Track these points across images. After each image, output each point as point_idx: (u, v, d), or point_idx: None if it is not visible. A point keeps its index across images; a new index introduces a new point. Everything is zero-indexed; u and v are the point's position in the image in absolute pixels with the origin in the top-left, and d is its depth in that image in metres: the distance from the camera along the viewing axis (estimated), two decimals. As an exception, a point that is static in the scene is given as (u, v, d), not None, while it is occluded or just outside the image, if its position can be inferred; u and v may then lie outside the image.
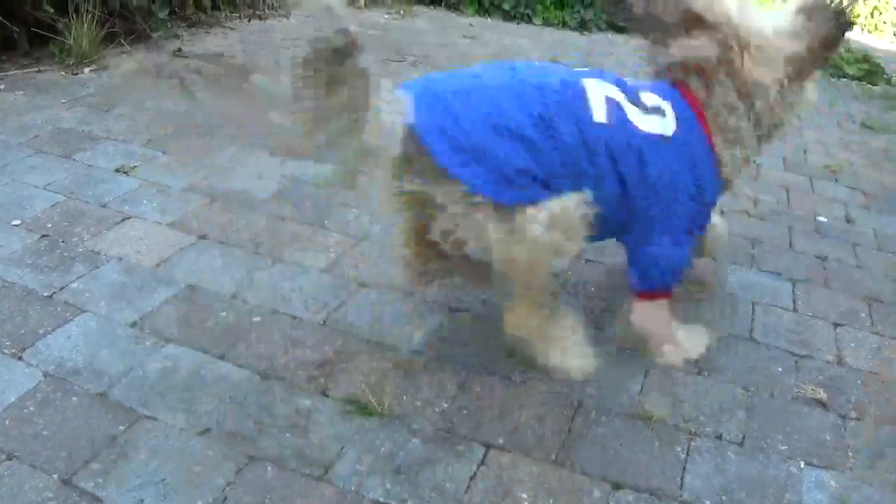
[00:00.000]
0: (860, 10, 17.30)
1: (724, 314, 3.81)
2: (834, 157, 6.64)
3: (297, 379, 2.95)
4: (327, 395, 2.89)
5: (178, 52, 6.80)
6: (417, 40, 8.53)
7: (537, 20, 10.51)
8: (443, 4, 10.72)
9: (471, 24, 9.87)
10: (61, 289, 3.34)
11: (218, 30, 7.75)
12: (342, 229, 4.11)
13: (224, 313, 3.28)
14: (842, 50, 11.33)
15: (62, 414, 2.64)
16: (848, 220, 5.22)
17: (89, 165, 4.51)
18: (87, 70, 6.07)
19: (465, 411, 2.90)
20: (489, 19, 10.42)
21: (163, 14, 6.99)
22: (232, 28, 7.90)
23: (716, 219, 3.74)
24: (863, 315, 4.00)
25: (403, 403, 2.90)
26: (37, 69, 5.97)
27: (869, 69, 10.83)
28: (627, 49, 9.70)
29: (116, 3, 6.53)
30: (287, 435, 2.67)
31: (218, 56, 6.22)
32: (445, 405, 2.92)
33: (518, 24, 10.43)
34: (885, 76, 10.87)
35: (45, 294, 3.30)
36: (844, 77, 10.45)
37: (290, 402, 2.82)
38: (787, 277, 4.27)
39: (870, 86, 10.22)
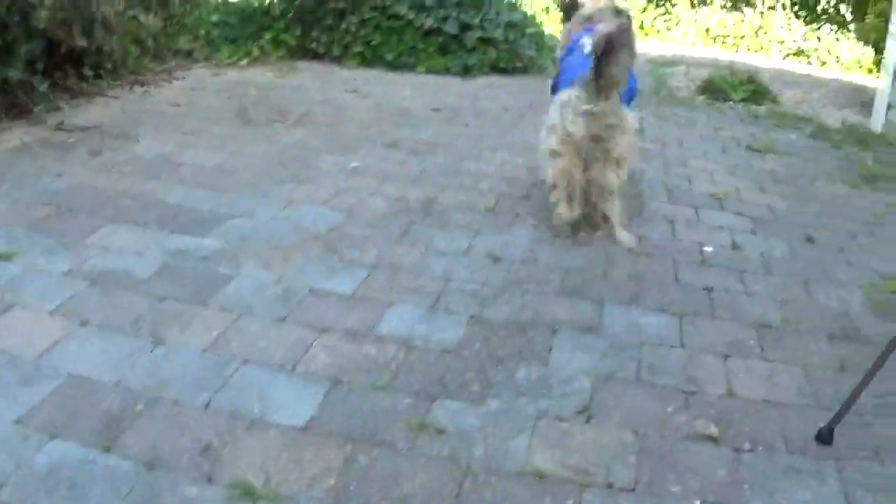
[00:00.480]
0: (744, 32, 17.55)
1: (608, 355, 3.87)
2: (719, 183, 6.75)
3: (182, 467, 2.97)
4: (212, 482, 2.91)
5: (61, 126, 6.79)
6: (301, 97, 8.58)
7: (420, 69, 10.57)
8: (326, 58, 10.75)
9: (354, 78, 9.91)
10: (-58, 384, 3.35)
11: (100, 99, 7.76)
12: (223, 305, 4.13)
13: (107, 403, 3.29)
14: (726, 74, 11.51)
15: (-52, 519, 2.65)
16: (734, 247, 5.33)
17: (-30, 252, 4.50)
18: (-32, 149, 6.05)
19: (352, 486, 2.94)
20: (373, 70, 10.46)
21: (43, 87, 7.00)
22: (114, 96, 7.90)
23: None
24: (751, 343, 4.11)
25: (289, 483, 2.93)
26: (-85, 150, 5.95)
27: (755, 89, 10.99)
28: (509, 90, 9.82)
29: (-4, 78, 6.52)
30: (173, 527, 2.70)
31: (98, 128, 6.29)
32: (332, 481, 2.95)
33: (402, 73, 10.48)
34: (770, 95, 11.03)
35: (-75, 391, 3.31)
36: (730, 101, 10.59)
37: (177, 492, 2.84)
38: (673, 312, 4.36)
39: (755, 106, 10.36)
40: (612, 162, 5.20)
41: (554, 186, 5.29)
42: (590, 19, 5.80)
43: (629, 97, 5.44)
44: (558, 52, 6.43)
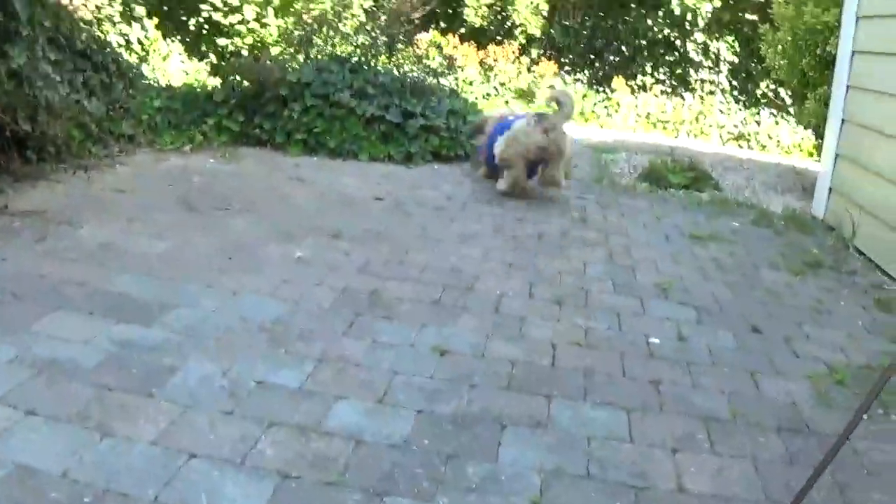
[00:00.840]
0: (684, 117, 17.79)
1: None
2: (664, 273, 6.82)
3: (129, 564, 2.95)
4: (157, 581, 2.88)
5: (5, 209, 6.76)
6: (243, 185, 8.58)
7: (363, 156, 10.61)
8: (269, 145, 10.78)
9: (297, 165, 9.92)
10: None
11: (44, 183, 7.71)
12: (170, 397, 4.11)
13: (55, 495, 3.27)
14: (668, 160, 11.65)
15: None
16: (680, 339, 5.37)
17: (-89, 340, 4.46)
18: None
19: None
20: (315, 158, 10.48)
21: (-14, 170, 6.96)
22: (58, 181, 7.86)
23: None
24: (700, 437, 4.15)
25: (235, 578, 2.92)
26: None
27: (695, 176, 11.10)
28: (451, 178, 9.89)
29: (-61, 161, 6.50)
30: None
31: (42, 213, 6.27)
32: (278, 579, 2.94)
33: (344, 161, 10.51)
34: (711, 182, 11.14)
35: None
36: (672, 187, 10.69)
37: (121, 591, 2.82)
38: (622, 406, 4.39)
39: (697, 193, 10.45)
40: (561, 164, 8.79)
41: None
42: (502, 118, 9.64)
43: None
44: (481, 141, 10.06)
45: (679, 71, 20.16)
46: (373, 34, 12.51)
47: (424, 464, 3.74)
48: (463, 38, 19.77)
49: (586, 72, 20.64)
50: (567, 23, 21.47)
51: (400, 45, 12.56)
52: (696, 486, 3.70)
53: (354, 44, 12.65)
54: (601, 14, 21.54)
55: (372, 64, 11.97)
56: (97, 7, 11.75)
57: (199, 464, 3.58)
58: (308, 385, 4.38)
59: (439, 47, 18.69)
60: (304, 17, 13.88)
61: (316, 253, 6.50)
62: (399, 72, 12.01)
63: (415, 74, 12.02)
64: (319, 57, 12.04)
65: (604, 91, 19.22)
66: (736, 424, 4.32)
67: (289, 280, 5.85)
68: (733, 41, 19.78)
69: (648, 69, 20.30)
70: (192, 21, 15.55)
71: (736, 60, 19.75)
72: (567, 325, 5.46)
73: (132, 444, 3.69)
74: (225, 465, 3.60)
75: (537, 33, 20.90)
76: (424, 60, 12.93)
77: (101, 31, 11.58)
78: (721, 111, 18.44)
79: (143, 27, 13.36)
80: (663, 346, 5.24)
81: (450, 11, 21.59)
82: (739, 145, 17.18)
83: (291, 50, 12.97)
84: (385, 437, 3.92)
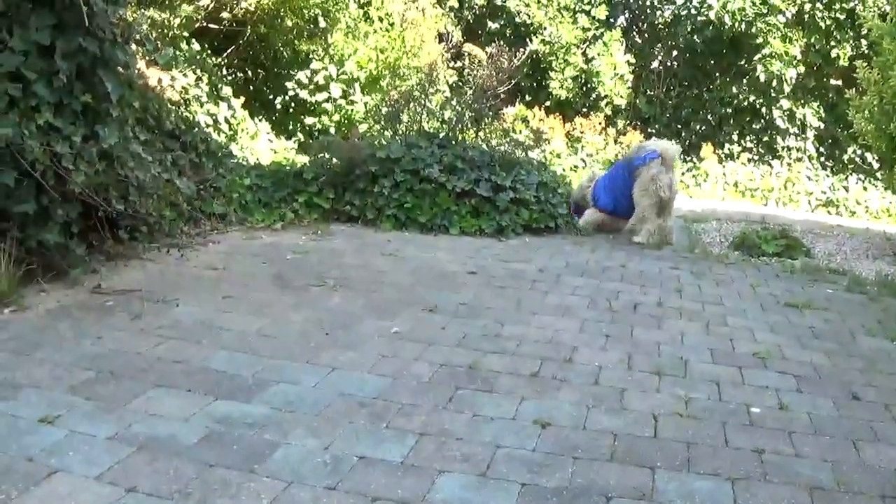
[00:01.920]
0: (773, 184, 17.71)
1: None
2: (761, 341, 6.70)
3: None
4: None
5: (98, 289, 6.79)
6: (336, 262, 8.59)
7: (454, 230, 10.62)
8: (360, 221, 10.82)
9: (389, 240, 9.95)
10: (-10, 555, 3.27)
11: (136, 262, 7.78)
12: (272, 473, 4.05)
13: (158, 574, 3.22)
14: (758, 228, 11.58)
15: None
16: (781, 408, 5.24)
17: (13, 416, 4.46)
18: (6, 311, 6.05)
19: None
20: (406, 233, 10.51)
21: (80, 250, 7.00)
22: (150, 259, 7.92)
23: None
24: (806, 505, 3.99)
25: None
26: (-45, 312, 5.94)
27: (787, 244, 11.05)
28: (544, 251, 9.86)
29: (34, 241, 6.54)
30: None
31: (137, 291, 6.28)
32: None
33: (435, 235, 10.53)
34: (803, 249, 11.06)
35: (-26, 562, 3.23)
36: (764, 255, 10.65)
37: None
38: (726, 477, 4.27)
39: (790, 261, 10.42)
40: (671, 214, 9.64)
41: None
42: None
43: None
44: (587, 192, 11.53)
45: (766, 138, 20.16)
46: (459, 109, 12.49)
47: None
48: (549, 111, 19.89)
49: (673, 141, 20.66)
50: (652, 93, 21.49)
51: (487, 120, 12.53)
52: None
53: (441, 119, 12.67)
54: (685, 83, 21.55)
55: (460, 138, 12.00)
56: (184, 88, 11.89)
57: (304, 541, 3.50)
58: (410, 459, 4.29)
59: (526, 120, 18.77)
60: (391, 93, 13.92)
61: (412, 327, 6.46)
62: (487, 146, 12.03)
63: (503, 148, 12.02)
64: (407, 133, 12.08)
65: (691, 160, 19.22)
66: (840, 493, 4.20)
67: (386, 355, 5.80)
68: (818, 107, 19.73)
69: (735, 137, 20.34)
70: (279, 100, 15.70)
71: (822, 126, 19.67)
72: (667, 395, 5.36)
73: (236, 521, 3.61)
74: (330, 541, 3.51)
75: (623, 104, 20.98)
76: (511, 134, 12.91)
77: (189, 112, 11.75)
78: (809, 178, 18.33)
79: (230, 106, 13.50)
80: (764, 416, 5.13)
81: (535, 84, 21.73)
82: (828, 212, 17.09)
83: (379, 126, 13.02)
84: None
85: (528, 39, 21.60)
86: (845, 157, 19.37)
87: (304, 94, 15.35)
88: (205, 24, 14.43)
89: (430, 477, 4.12)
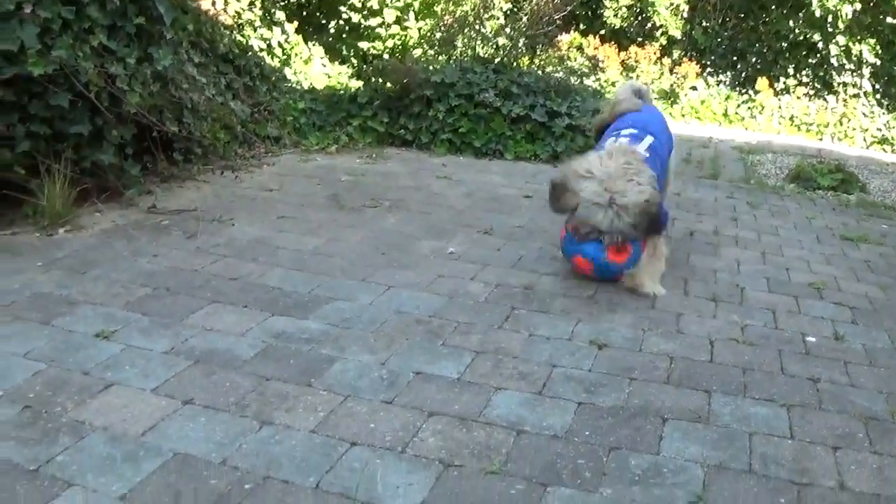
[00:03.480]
0: (828, 120, 17.51)
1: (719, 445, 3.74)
2: (817, 273, 6.67)
3: (293, 548, 2.87)
4: (324, 566, 2.80)
5: (153, 209, 6.79)
6: (391, 184, 8.59)
7: (509, 155, 10.56)
8: (414, 146, 10.78)
9: (443, 164, 9.92)
10: (47, 462, 3.27)
11: (190, 183, 7.77)
12: (329, 386, 4.05)
13: (214, 481, 3.21)
14: (814, 161, 11.45)
15: None
16: (837, 338, 5.20)
17: (69, 331, 4.46)
18: (61, 231, 6.05)
19: (466, 572, 2.82)
20: (461, 157, 10.46)
21: (135, 171, 7.00)
22: (205, 180, 7.91)
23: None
24: (860, 435, 3.97)
25: (403, 568, 2.82)
26: (11, 232, 5.95)
27: (843, 178, 10.93)
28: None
29: (88, 162, 6.54)
30: None
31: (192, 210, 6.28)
32: (447, 566, 2.84)
33: (490, 160, 10.49)
34: (858, 184, 10.95)
35: (31, 468, 3.23)
36: (819, 189, 10.54)
37: (287, 575, 2.74)
38: (782, 403, 4.23)
39: (845, 195, 10.33)
40: None
41: None
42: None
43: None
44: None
45: (821, 73, 19.84)
46: (513, 36, 12.38)
47: (586, 455, 3.62)
48: (603, 40, 19.66)
49: (728, 73, 20.38)
50: (707, 24, 21.23)
51: (541, 47, 12.41)
52: (857, 484, 3.54)
53: (495, 45, 12.56)
54: (741, 15, 21.27)
55: (514, 65, 11.89)
56: (237, 13, 11.80)
57: (361, 452, 3.50)
58: (466, 376, 4.27)
59: (580, 48, 18.58)
60: (445, 19, 13.80)
61: (468, 249, 6.42)
62: (542, 72, 11.90)
63: (558, 75, 11.90)
64: (462, 59, 11.99)
65: (747, 93, 18.96)
66: (895, 423, 4.14)
67: (442, 275, 5.79)
68: (875, 44, 19.38)
69: (791, 71, 20.02)
70: (332, 25, 15.61)
71: (878, 63, 19.35)
72: (723, 321, 5.33)
73: (292, 432, 3.62)
74: (386, 453, 3.51)
75: (678, 35, 20.72)
76: (567, 61, 12.78)
77: (243, 36, 11.68)
78: (864, 114, 18.08)
79: (283, 31, 13.42)
80: (820, 345, 5.09)
81: (589, 13, 21.50)
82: (883, 149, 16.85)
83: (433, 52, 12.92)
84: (546, 428, 3.80)
85: (583, -34, 21.41)
86: (902, 93, 19.15)
87: (357, 18, 15.23)
88: (258, -52, 14.38)
89: (486, 393, 4.10)
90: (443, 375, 4.25)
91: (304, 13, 15.51)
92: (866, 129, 17.42)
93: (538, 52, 12.44)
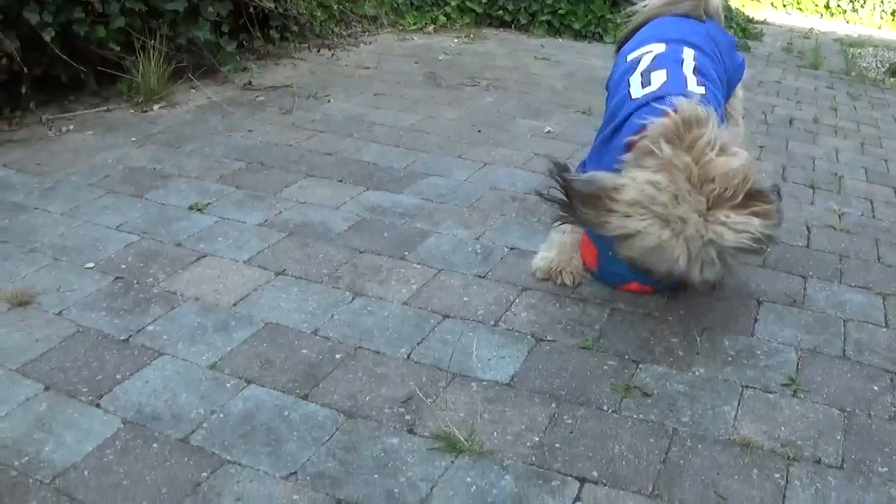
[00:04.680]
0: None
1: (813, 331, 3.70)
2: (916, 165, 6.45)
3: (383, 417, 2.85)
4: (414, 433, 2.79)
5: (249, 85, 6.77)
6: (489, 63, 8.50)
7: (608, 38, 10.42)
8: (512, 27, 10.67)
9: (542, 45, 9.84)
10: (138, 332, 3.28)
11: (287, 61, 7.75)
12: (422, 260, 4.03)
13: (305, 351, 3.20)
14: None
15: (143, 462, 2.56)
16: (935, 231, 5.03)
17: (162, 204, 4.47)
18: (156, 107, 6.06)
19: (557, 444, 2.80)
20: (560, 39, 10.37)
21: (231, 48, 6.97)
22: (301, 58, 7.89)
23: None
24: (957, 327, 3.88)
25: (493, 438, 2.79)
26: (105, 108, 5.97)
27: (947, 69, 10.70)
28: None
29: (183, 38, 6.52)
30: (375, 476, 2.57)
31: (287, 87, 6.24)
32: (536, 438, 2.81)
33: (589, 42, 10.38)
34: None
35: (122, 338, 3.23)
36: (920, 80, 10.34)
37: (377, 441, 2.72)
38: (878, 292, 4.14)
39: (949, 89, 10.10)
40: None
41: None
42: None
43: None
44: None
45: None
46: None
47: (679, 334, 3.58)
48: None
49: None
50: None
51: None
52: (952, 379, 3.45)
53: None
54: None
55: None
56: None
57: (453, 324, 3.47)
58: (562, 253, 4.19)
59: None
60: None
61: (566, 128, 6.35)
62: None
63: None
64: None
65: (848, -16, 18.54)
66: None
67: (539, 153, 5.70)
68: None
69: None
70: None
71: None
72: (820, 208, 5.23)
73: (384, 304, 3.61)
74: (479, 326, 3.47)
75: None
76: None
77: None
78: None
79: None
80: (918, 237, 4.98)
81: None
82: None
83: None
84: (641, 307, 3.75)
85: None
86: None
87: None
88: None
89: (582, 269, 4.02)
90: (537, 251, 4.17)
91: None
92: (972, 27, 17.03)
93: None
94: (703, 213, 3.13)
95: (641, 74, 3.83)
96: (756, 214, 3.16)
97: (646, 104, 3.57)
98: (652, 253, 3.23)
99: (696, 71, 3.76)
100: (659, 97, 3.56)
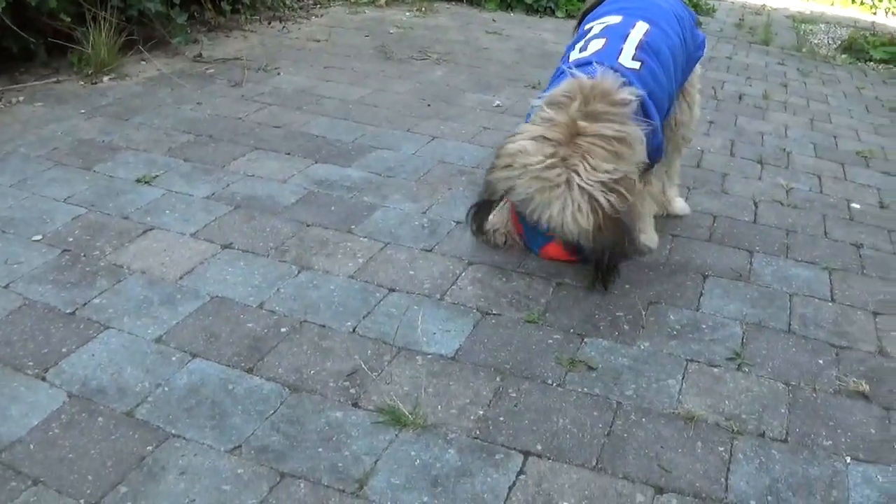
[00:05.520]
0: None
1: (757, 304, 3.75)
2: (865, 142, 6.58)
3: (328, 390, 2.87)
4: (359, 406, 2.81)
5: (199, 58, 6.76)
6: (440, 37, 8.52)
7: (560, 13, 10.45)
8: (465, 1, 10.68)
9: (493, 20, 9.86)
10: (84, 305, 3.28)
11: (238, 33, 7.74)
12: (369, 233, 4.05)
13: (251, 325, 3.21)
14: (867, 34, 11.31)
15: (88, 435, 2.57)
16: (882, 206, 5.16)
17: (110, 177, 4.46)
18: (106, 79, 6.04)
19: (501, 418, 2.83)
20: (512, 14, 10.40)
21: (181, 19, 6.94)
22: (252, 31, 7.88)
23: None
24: (902, 303, 3.93)
25: (437, 412, 2.82)
26: (55, 79, 5.94)
27: (896, 51, 10.80)
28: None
29: (135, 10, 6.49)
30: (319, 450, 2.59)
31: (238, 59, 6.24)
32: (481, 412, 2.84)
33: (541, 17, 10.42)
34: (912, 57, 10.83)
35: (68, 311, 3.24)
36: (871, 61, 10.43)
37: (322, 415, 2.74)
38: (824, 267, 4.20)
39: (897, 68, 10.22)
40: None
41: None
42: None
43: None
44: None
45: (880, -57, 19.41)
46: None
47: (625, 308, 3.62)
48: None
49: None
50: None
51: None
52: (896, 350, 3.52)
53: None
54: None
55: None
56: None
57: (399, 298, 3.50)
58: (510, 226, 4.22)
59: None
60: None
61: (515, 102, 6.38)
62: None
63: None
64: None
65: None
66: (938, 295, 4.13)
67: (488, 127, 5.74)
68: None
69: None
70: None
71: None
72: (768, 183, 5.30)
73: (330, 277, 3.63)
74: (424, 300, 3.50)
75: None
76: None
77: None
78: (924, -12, 17.72)
79: None
80: (864, 212, 5.04)
81: None
82: (942, 25, 16.56)
83: None
84: (587, 280, 3.78)
85: None
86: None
87: None
88: None
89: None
90: (481, 218, 4.21)
91: None
92: (923, 5, 17.11)
93: None
94: (570, 163, 3.33)
95: (585, 41, 3.88)
96: (617, 156, 3.38)
97: (571, 68, 3.63)
98: (526, 205, 3.44)
99: (641, 46, 3.76)
100: (586, 62, 3.66)
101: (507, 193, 3.54)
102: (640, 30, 3.85)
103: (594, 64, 3.59)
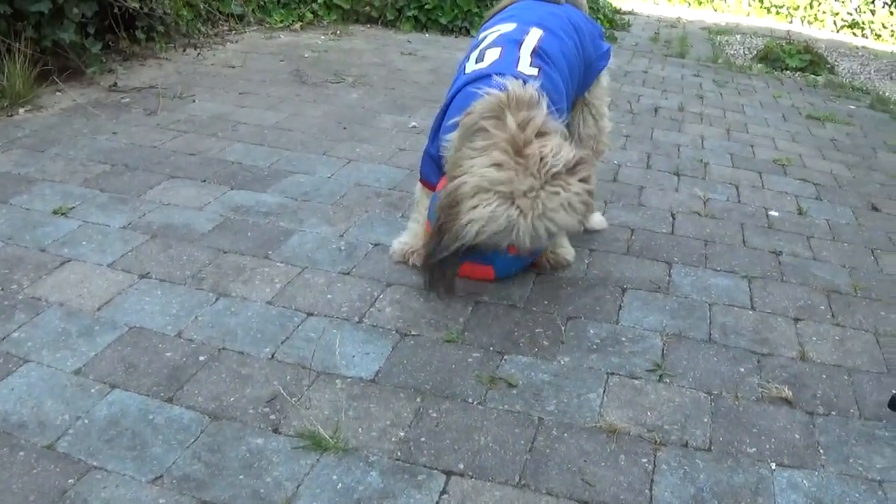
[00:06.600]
0: (798, 2, 17.43)
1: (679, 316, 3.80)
2: (782, 150, 6.72)
3: (248, 417, 2.89)
4: (279, 432, 2.83)
5: (114, 87, 6.74)
6: (355, 60, 8.53)
7: (475, 32, 10.49)
8: (380, 23, 10.72)
9: (408, 41, 9.89)
10: (2, 339, 3.27)
11: (153, 61, 7.71)
12: (286, 258, 4.06)
13: (169, 354, 3.22)
14: (783, 43, 11.50)
15: (9, 470, 2.56)
16: (800, 213, 5.27)
17: (26, 209, 4.43)
18: (21, 111, 5.99)
19: (422, 438, 2.85)
20: (427, 34, 10.43)
21: (96, 49, 6.91)
22: (167, 58, 7.85)
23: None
24: (822, 308, 4.03)
25: (358, 435, 2.84)
26: (-30, 112, 5.89)
27: (811, 59, 11.01)
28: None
29: (49, 40, 6.46)
30: (241, 477, 2.60)
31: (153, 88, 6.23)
32: (402, 433, 2.87)
33: (456, 36, 10.46)
34: (827, 66, 11.02)
35: (-14, 346, 3.23)
36: (787, 69, 10.60)
37: (242, 442, 2.76)
38: (743, 275, 4.29)
39: (813, 76, 10.45)
40: None
41: None
42: None
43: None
44: None
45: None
46: None
47: (544, 324, 3.66)
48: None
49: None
50: None
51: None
52: (818, 355, 3.60)
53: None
54: None
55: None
56: None
57: (317, 322, 3.52)
58: (426, 247, 4.25)
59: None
60: None
61: (430, 123, 6.39)
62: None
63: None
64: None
65: (717, -27, 18.85)
66: (857, 298, 4.21)
67: (404, 148, 5.78)
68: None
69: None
70: None
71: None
72: (686, 195, 5.39)
73: (248, 304, 3.64)
74: (343, 323, 3.53)
75: None
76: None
77: None
78: (835, -3, 18.02)
79: None
80: (783, 219, 5.16)
81: None
82: (853, 33, 16.82)
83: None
84: (504, 298, 3.83)
85: None
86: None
87: None
88: None
89: (444, 263, 4.09)
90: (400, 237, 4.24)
91: None
92: (837, 13, 17.38)
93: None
94: (540, 185, 3.27)
95: (480, 51, 3.93)
96: (582, 180, 3.35)
97: (472, 81, 3.69)
98: (500, 232, 3.31)
99: (536, 52, 3.82)
100: (486, 75, 3.67)
101: (482, 233, 3.30)
102: (534, 36, 3.92)
103: (493, 77, 3.60)
